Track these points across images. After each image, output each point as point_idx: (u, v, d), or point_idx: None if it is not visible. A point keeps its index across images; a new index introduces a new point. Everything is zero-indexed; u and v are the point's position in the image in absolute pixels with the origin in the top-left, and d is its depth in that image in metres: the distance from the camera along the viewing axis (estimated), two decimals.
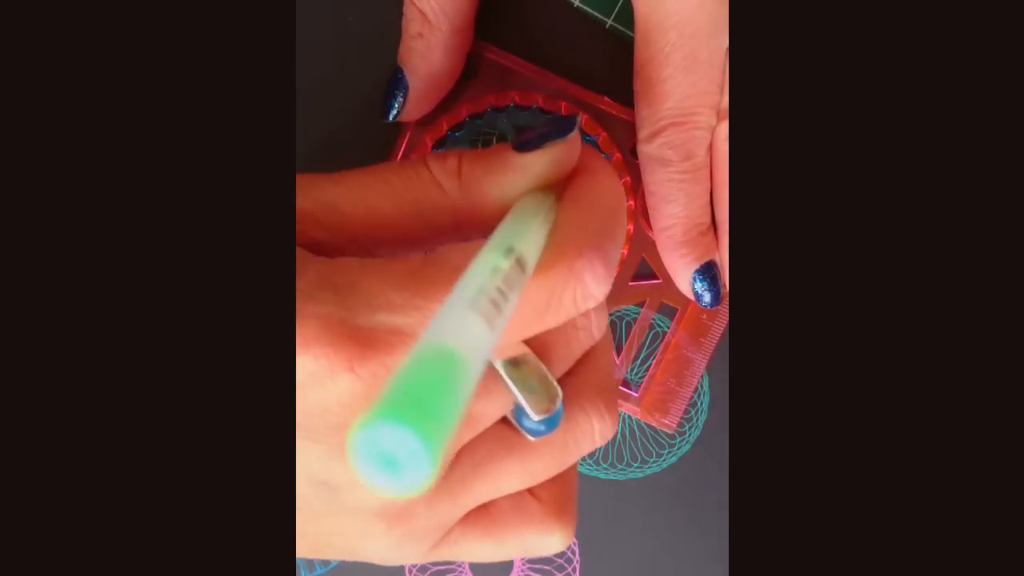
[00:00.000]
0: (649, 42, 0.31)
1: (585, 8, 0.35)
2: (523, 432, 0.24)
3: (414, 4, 0.31)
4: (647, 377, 0.37)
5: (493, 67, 0.35)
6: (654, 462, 0.38)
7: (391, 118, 0.33)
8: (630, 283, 0.36)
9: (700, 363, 0.37)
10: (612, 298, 0.36)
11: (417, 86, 0.32)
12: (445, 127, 0.35)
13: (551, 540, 0.26)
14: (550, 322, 0.22)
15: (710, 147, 0.32)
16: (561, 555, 0.38)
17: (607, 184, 0.24)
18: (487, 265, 0.19)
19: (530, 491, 0.26)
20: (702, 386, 0.37)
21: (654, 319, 0.36)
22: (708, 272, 0.33)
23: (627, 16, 0.35)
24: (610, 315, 0.36)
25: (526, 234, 0.20)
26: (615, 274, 0.22)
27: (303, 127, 0.35)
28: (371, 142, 0.35)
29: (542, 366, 0.23)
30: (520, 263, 0.19)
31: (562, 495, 0.26)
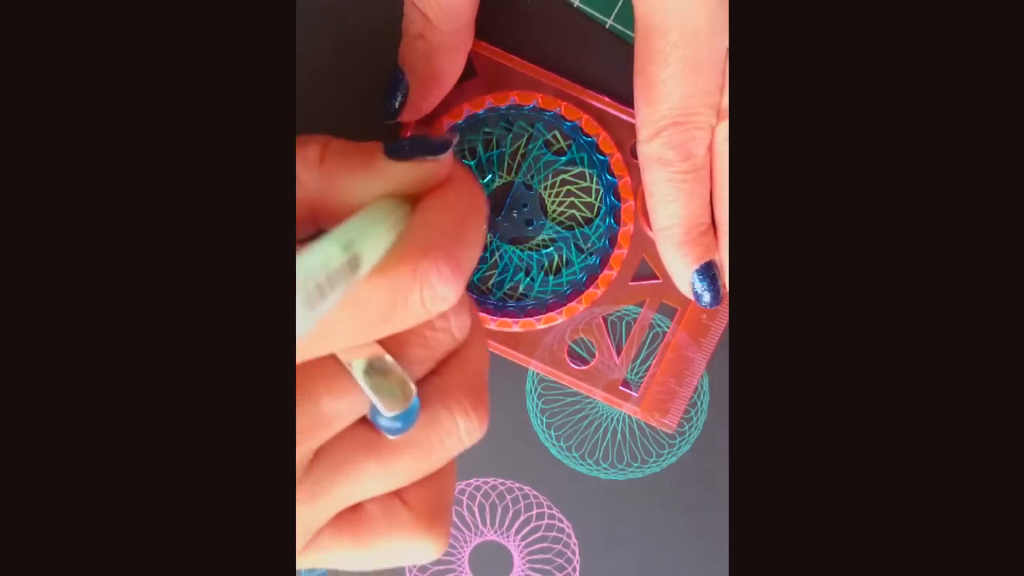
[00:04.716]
0: (649, 42, 0.31)
1: (585, 8, 0.35)
2: (382, 432, 0.24)
3: (415, 4, 0.31)
4: (647, 377, 0.37)
5: (493, 67, 0.35)
6: (654, 462, 0.38)
7: (391, 118, 0.33)
8: (630, 283, 0.36)
9: (700, 363, 0.37)
10: (612, 298, 0.36)
11: (417, 86, 0.32)
12: (445, 127, 0.35)
13: (421, 548, 0.25)
14: (399, 323, 0.22)
15: (710, 147, 0.32)
16: (561, 555, 0.38)
17: (462, 190, 0.24)
18: (319, 254, 0.19)
19: (401, 497, 0.25)
20: (702, 386, 0.37)
21: (654, 319, 0.36)
22: (708, 272, 0.33)
23: (627, 16, 0.35)
24: (610, 315, 0.36)
25: (370, 234, 0.21)
26: (467, 276, 0.22)
27: (303, 127, 0.35)
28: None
29: (394, 363, 0.23)
30: (355, 259, 0.20)
31: (433, 501, 0.25)
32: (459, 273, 0.22)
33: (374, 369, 0.23)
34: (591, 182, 0.36)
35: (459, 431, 0.25)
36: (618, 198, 0.35)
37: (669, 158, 0.32)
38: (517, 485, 0.38)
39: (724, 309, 0.36)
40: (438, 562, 0.39)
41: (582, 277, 0.36)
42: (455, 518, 0.38)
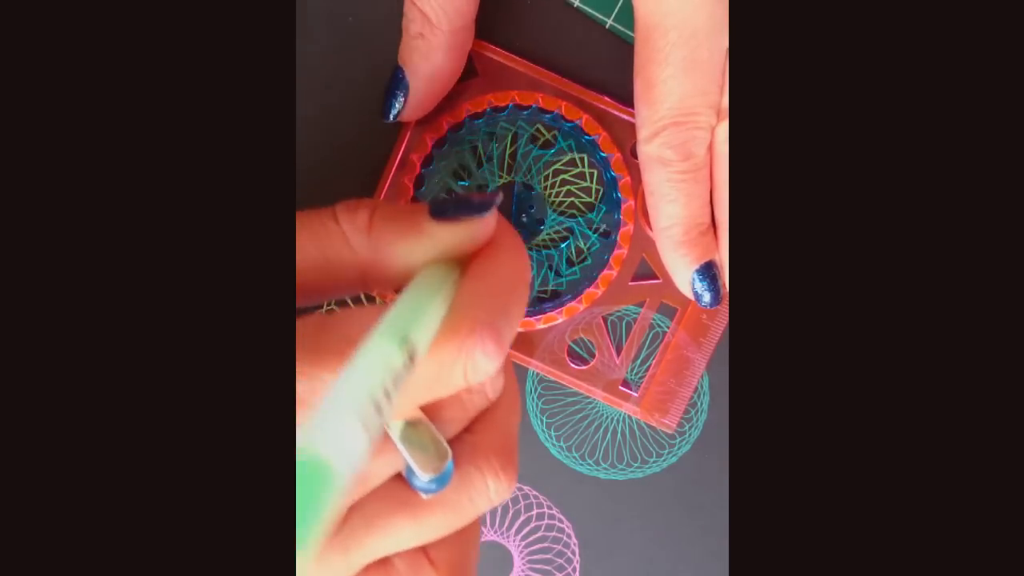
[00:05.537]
0: (649, 42, 0.31)
1: (585, 8, 0.35)
2: (416, 491, 0.24)
3: (415, 4, 0.31)
4: (647, 377, 0.37)
5: (493, 67, 0.35)
6: (654, 462, 0.38)
7: (391, 118, 0.33)
8: (630, 283, 0.36)
9: (700, 363, 0.37)
10: (612, 298, 0.36)
11: (418, 86, 0.32)
12: (445, 127, 0.35)
13: None
14: (440, 392, 0.23)
15: (710, 147, 0.32)
16: (561, 555, 0.38)
17: (510, 259, 0.24)
18: (379, 360, 0.19)
19: (427, 554, 0.25)
20: (702, 386, 0.37)
21: (654, 319, 0.36)
22: (708, 272, 0.33)
23: (627, 16, 0.35)
24: (610, 315, 0.36)
25: (423, 318, 0.21)
26: (508, 347, 0.22)
27: (303, 127, 0.35)
28: (371, 142, 0.35)
29: (431, 427, 0.24)
30: (412, 354, 0.20)
31: (457, 561, 0.26)
32: (502, 347, 0.22)
33: (411, 431, 0.23)
34: (584, 166, 0.36)
35: (489, 491, 0.25)
36: (615, 171, 0.35)
37: (669, 158, 0.32)
38: (517, 485, 0.38)
39: (724, 309, 0.36)
40: None
41: (606, 258, 0.36)
42: None
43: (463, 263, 0.24)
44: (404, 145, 0.35)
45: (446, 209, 0.24)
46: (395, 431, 0.23)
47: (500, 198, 0.24)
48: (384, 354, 0.19)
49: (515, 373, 0.37)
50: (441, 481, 0.24)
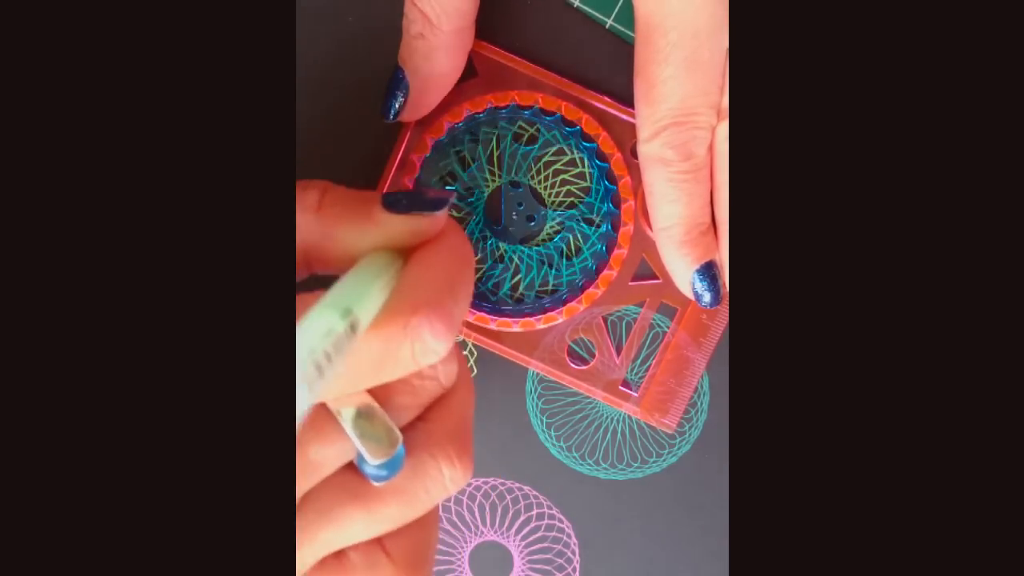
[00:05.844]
0: (650, 42, 0.31)
1: (585, 8, 0.35)
2: (368, 479, 0.24)
3: (415, 4, 0.31)
4: (647, 377, 0.37)
5: (493, 67, 0.35)
6: (654, 462, 0.38)
7: (391, 118, 0.33)
8: (630, 283, 0.36)
9: (700, 363, 0.37)
10: (612, 298, 0.36)
11: (418, 86, 0.32)
12: (445, 127, 0.35)
13: None
14: (389, 375, 0.23)
15: (710, 147, 0.32)
16: (561, 555, 0.38)
17: (453, 245, 0.24)
18: (322, 326, 0.19)
19: (383, 546, 0.25)
20: (702, 386, 0.37)
21: (654, 319, 0.36)
22: (708, 272, 0.33)
23: (627, 16, 0.35)
24: (610, 315, 0.36)
25: (366, 295, 0.21)
26: (457, 329, 0.23)
27: (303, 127, 0.35)
28: (371, 142, 0.35)
29: (381, 412, 0.24)
30: (353, 326, 0.20)
31: (414, 552, 0.25)
32: (450, 327, 0.22)
33: (362, 417, 0.23)
34: (572, 154, 0.36)
35: (444, 479, 0.25)
36: (603, 160, 0.35)
37: (669, 158, 0.32)
38: (517, 485, 0.38)
39: (724, 309, 0.36)
40: (438, 562, 0.39)
41: (601, 247, 0.36)
42: (455, 518, 0.38)
43: (406, 254, 0.24)
44: (404, 145, 0.35)
45: (399, 201, 0.24)
46: (346, 418, 0.23)
47: (454, 197, 0.24)
48: (325, 321, 0.20)
49: (514, 371, 0.37)
50: (392, 467, 0.24)
